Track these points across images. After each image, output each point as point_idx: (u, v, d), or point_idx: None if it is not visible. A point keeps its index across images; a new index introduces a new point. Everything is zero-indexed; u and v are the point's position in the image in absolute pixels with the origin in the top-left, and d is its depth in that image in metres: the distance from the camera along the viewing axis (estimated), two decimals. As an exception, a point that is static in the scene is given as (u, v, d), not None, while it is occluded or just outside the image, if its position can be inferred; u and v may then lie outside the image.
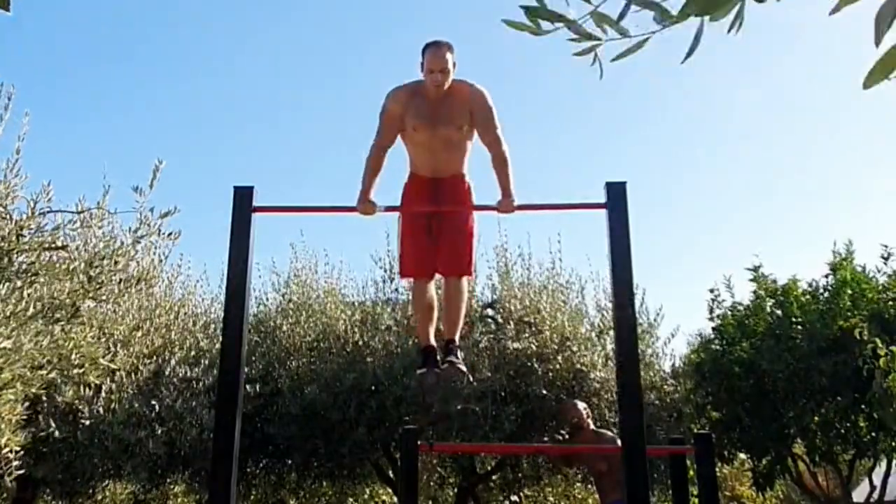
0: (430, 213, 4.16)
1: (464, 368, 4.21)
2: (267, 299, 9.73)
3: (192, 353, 8.27)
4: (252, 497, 9.70)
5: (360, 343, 8.72)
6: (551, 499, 10.52)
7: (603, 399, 8.42)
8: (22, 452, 5.08)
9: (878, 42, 1.46)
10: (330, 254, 9.98)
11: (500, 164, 3.96)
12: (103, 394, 7.30)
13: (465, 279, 4.30)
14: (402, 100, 4.02)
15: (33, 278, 5.06)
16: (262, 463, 9.38)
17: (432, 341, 4.26)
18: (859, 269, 9.38)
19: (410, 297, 4.54)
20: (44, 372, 5.31)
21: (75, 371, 5.96)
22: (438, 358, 4.23)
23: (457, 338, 4.25)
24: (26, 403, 5.33)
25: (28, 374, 5.04)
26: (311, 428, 8.34)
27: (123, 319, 7.16)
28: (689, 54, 1.61)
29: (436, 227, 4.15)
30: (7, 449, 4.78)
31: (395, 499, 10.26)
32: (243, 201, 3.67)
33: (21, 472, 5.13)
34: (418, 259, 4.21)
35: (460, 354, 4.23)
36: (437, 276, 4.34)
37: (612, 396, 8.23)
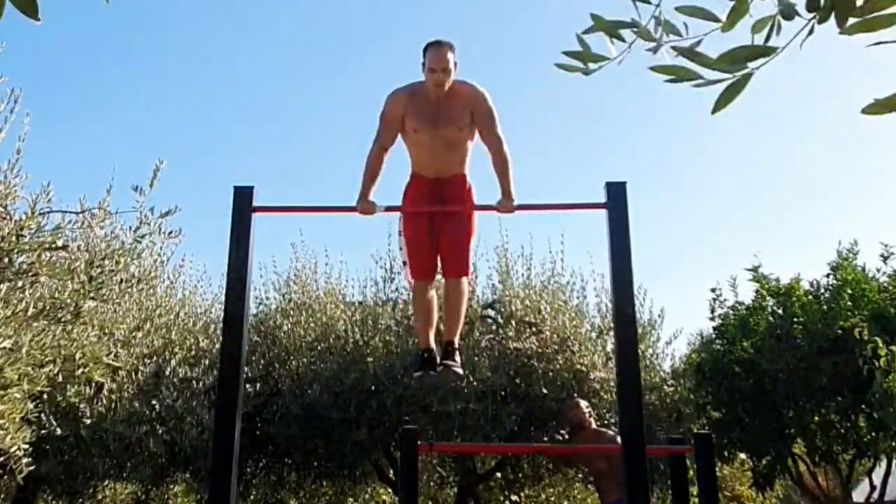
0: (431, 214, 4.16)
1: (461, 371, 4.21)
2: (267, 299, 9.73)
3: (193, 353, 8.28)
4: (252, 497, 9.71)
5: (360, 343, 8.73)
6: (552, 499, 10.52)
7: (603, 399, 8.41)
8: (31, 449, 5.08)
9: None
10: (330, 254, 9.97)
11: (500, 164, 3.97)
12: (105, 393, 7.31)
13: (464, 279, 4.30)
14: (403, 101, 4.02)
15: (34, 278, 5.06)
16: (262, 463, 9.39)
17: (432, 343, 4.25)
18: (860, 269, 9.39)
19: (411, 298, 4.52)
20: (47, 370, 5.31)
21: (79, 370, 5.96)
22: (437, 360, 4.22)
23: (456, 339, 4.25)
24: (35, 401, 5.34)
25: (32, 373, 5.04)
26: (311, 428, 8.34)
27: (124, 319, 7.16)
28: (718, 107, 1.64)
29: (436, 227, 4.16)
30: (15, 447, 4.79)
31: (395, 499, 10.26)
32: (243, 201, 3.67)
33: (31, 467, 5.14)
34: (420, 261, 4.22)
35: (458, 357, 4.22)
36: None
37: (612, 396, 8.23)
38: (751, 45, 1.59)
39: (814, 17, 1.57)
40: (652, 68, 1.66)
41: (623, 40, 1.73)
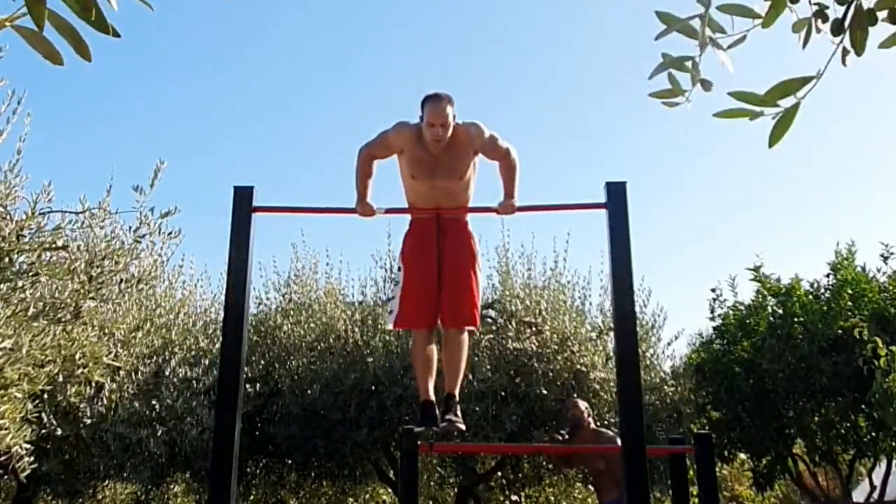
0: (437, 260, 4.06)
1: (462, 427, 4.10)
2: (267, 299, 9.73)
3: (193, 353, 8.27)
4: (252, 497, 9.70)
5: (360, 343, 8.72)
6: (552, 499, 10.51)
7: (603, 399, 8.41)
8: (33, 448, 5.08)
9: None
10: (330, 253, 9.96)
11: (508, 169, 3.98)
12: (105, 393, 7.31)
13: (467, 331, 4.20)
14: (407, 139, 3.96)
15: (34, 278, 5.06)
16: (262, 463, 9.38)
17: (431, 396, 4.12)
18: (860, 269, 9.39)
19: (410, 348, 4.38)
20: (48, 370, 5.31)
21: (79, 370, 5.96)
22: (437, 413, 4.11)
23: (457, 392, 4.14)
24: (36, 401, 5.34)
25: (32, 373, 5.04)
26: (311, 428, 8.34)
27: (124, 319, 7.15)
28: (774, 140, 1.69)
29: (440, 274, 4.06)
30: (17, 446, 4.79)
31: (395, 499, 10.26)
32: (243, 201, 3.67)
33: (34, 466, 5.14)
34: (422, 309, 4.09)
35: (460, 411, 4.12)
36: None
37: (612, 396, 8.23)
38: (796, 78, 1.64)
39: (842, 40, 1.61)
40: (715, 115, 1.74)
41: (694, 70, 1.82)
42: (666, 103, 1.86)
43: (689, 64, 1.78)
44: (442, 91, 3.91)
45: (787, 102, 1.64)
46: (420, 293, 4.07)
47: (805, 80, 1.62)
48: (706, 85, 1.79)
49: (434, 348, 4.21)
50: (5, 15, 1.31)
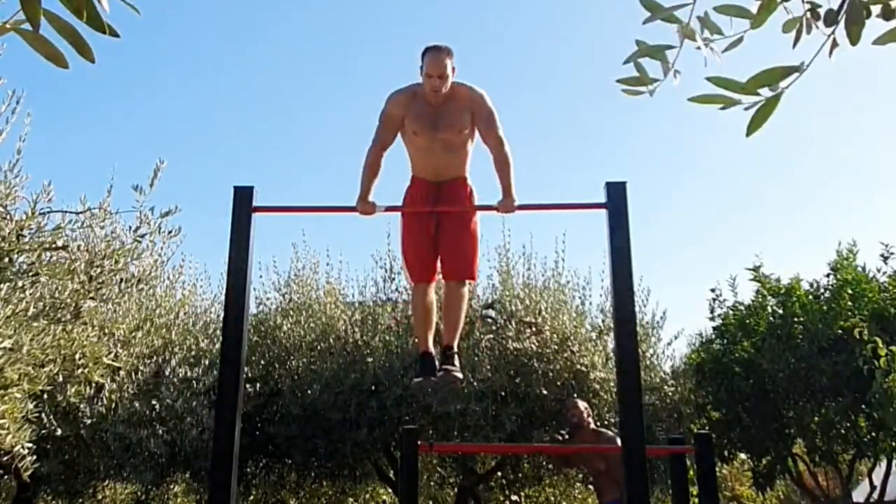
0: (432, 217, 4.13)
1: (460, 375, 4.17)
2: (267, 299, 9.73)
3: (193, 353, 8.27)
4: (252, 497, 9.70)
5: (360, 343, 8.72)
6: (552, 499, 10.52)
7: (603, 399, 8.41)
8: (34, 448, 5.09)
9: None
10: (330, 253, 9.95)
11: (501, 164, 3.96)
12: (105, 393, 7.30)
13: (466, 284, 4.26)
14: (403, 103, 4.01)
15: (34, 278, 5.06)
16: (262, 463, 9.38)
17: (430, 347, 4.21)
18: (860, 269, 9.39)
19: (410, 300, 4.49)
20: (48, 370, 5.31)
21: (79, 370, 5.95)
22: (436, 364, 4.19)
23: (455, 343, 4.20)
24: (36, 401, 5.34)
25: (33, 373, 5.04)
26: (311, 428, 8.34)
27: (124, 319, 7.15)
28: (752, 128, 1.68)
29: (438, 230, 4.13)
30: (18, 446, 4.79)
31: (395, 499, 10.26)
32: (243, 201, 3.67)
33: (36, 465, 5.14)
34: (420, 263, 4.19)
35: (457, 361, 4.18)
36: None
37: (612, 396, 8.23)
38: (779, 66, 1.62)
39: (834, 31, 1.60)
40: (690, 99, 1.71)
41: (666, 61, 1.80)
42: (628, 91, 1.83)
43: (668, 53, 1.77)
44: (442, 43, 3.94)
45: (768, 93, 1.63)
46: (417, 248, 4.16)
47: (789, 70, 1.61)
48: (677, 75, 1.78)
49: (433, 300, 4.28)
50: (6, 18, 1.32)
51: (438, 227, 4.13)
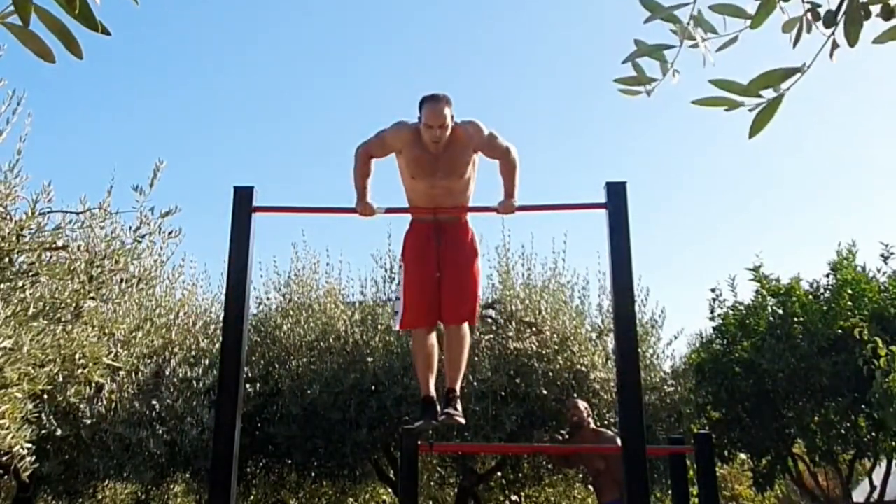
0: (435, 261, 4.08)
1: (462, 420, 4.16)
2: (267, 299, 9.73)
3: (193, 353, 8.27)
4: (252, 497, 9.70)
5: (360, 343, 8.72)
6: (552, 499, 10.52)
7: (603, 399, 8.41)
8: (34, 448, 5.09)
9: None
10: (330, 253, 9.95)
11: (508, 167, 3.97)
12: (105, 393, 7.31)
13: (467, 326, 4.23)
14: (404, 140, 3.97)
15: (34, 278, 5.06)
16: (262, 463, 9.38)
17: (432, 391, 4.17)
18: (860, 269, 9.39)
19: (411, 346, 4.44)
20: (47, 370, 5.31)
21: (79, 370, 5.95)
22: (438, 409, 4.15)
23: (457, 387, 4.18)
24: (36, 401, 5.34)
25: (32, 373, 5.04)
26: (311, 428, 8.34)
27: (124, 319, 7.15)
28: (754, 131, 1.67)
29: (441, 273, 4.10)
30: (18, 446, 4.79)
31: (395, 499, 10.26)
32: (243, 201, 3.67)
33: (36, 465, 5.14)
34: (424, 308, 4.13)
35: (460, 405, 4.16)
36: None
37: (612, 396, 8.23)
38: (780, 68, 1.62)
39: (833, 32, 1.60)
40: (694, 102, 1.71)
41: (665, 61, 1.80)
42: (625, 91, 1.83)
43: (666, 53, 1.77)
44: (440, 92, 3.92)
45: (770, 94, 1.63)
46: (421, 292, 4.11)
47: (790, 72, 1.61)
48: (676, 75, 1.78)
49: (435, 344, 4.25)
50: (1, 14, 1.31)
51: (441, 270, 4.09)
